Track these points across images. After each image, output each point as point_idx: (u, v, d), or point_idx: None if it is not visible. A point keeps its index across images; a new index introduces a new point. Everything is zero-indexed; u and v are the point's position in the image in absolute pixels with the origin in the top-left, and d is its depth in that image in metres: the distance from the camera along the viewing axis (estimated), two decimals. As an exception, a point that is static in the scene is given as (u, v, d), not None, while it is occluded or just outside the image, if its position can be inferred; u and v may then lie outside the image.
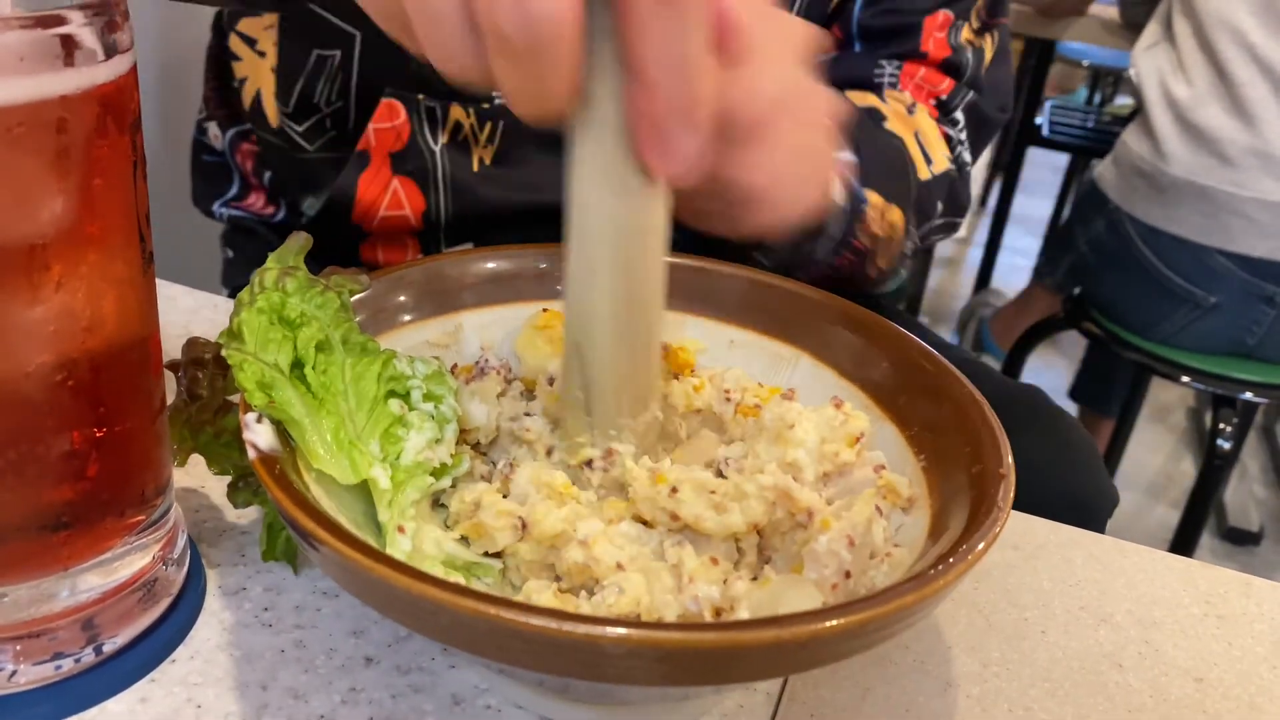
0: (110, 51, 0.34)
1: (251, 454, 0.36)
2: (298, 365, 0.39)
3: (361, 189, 0.72)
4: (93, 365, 0.36)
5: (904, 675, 0.44)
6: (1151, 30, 1.65)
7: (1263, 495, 2.32)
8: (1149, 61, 1.61)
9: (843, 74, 0.75)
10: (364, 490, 0.39)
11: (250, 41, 0.75)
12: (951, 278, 3.33)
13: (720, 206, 0.48)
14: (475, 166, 0.73)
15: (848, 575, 0.37)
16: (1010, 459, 0.38)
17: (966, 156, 0.77)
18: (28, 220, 0.33)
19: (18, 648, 0.38)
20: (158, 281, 0.41)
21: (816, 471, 0.42)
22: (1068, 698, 0.44)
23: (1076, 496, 0.68)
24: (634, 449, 0.42)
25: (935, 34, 0.75)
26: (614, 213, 0.38)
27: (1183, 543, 1.76)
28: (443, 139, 0.72)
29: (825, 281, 0.54)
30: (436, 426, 0.42)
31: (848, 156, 0.62)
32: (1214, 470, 1.69)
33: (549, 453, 0.44)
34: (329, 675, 0.41)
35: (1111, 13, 2.05)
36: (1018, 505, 0.39)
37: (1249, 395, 1.62)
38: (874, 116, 0.71)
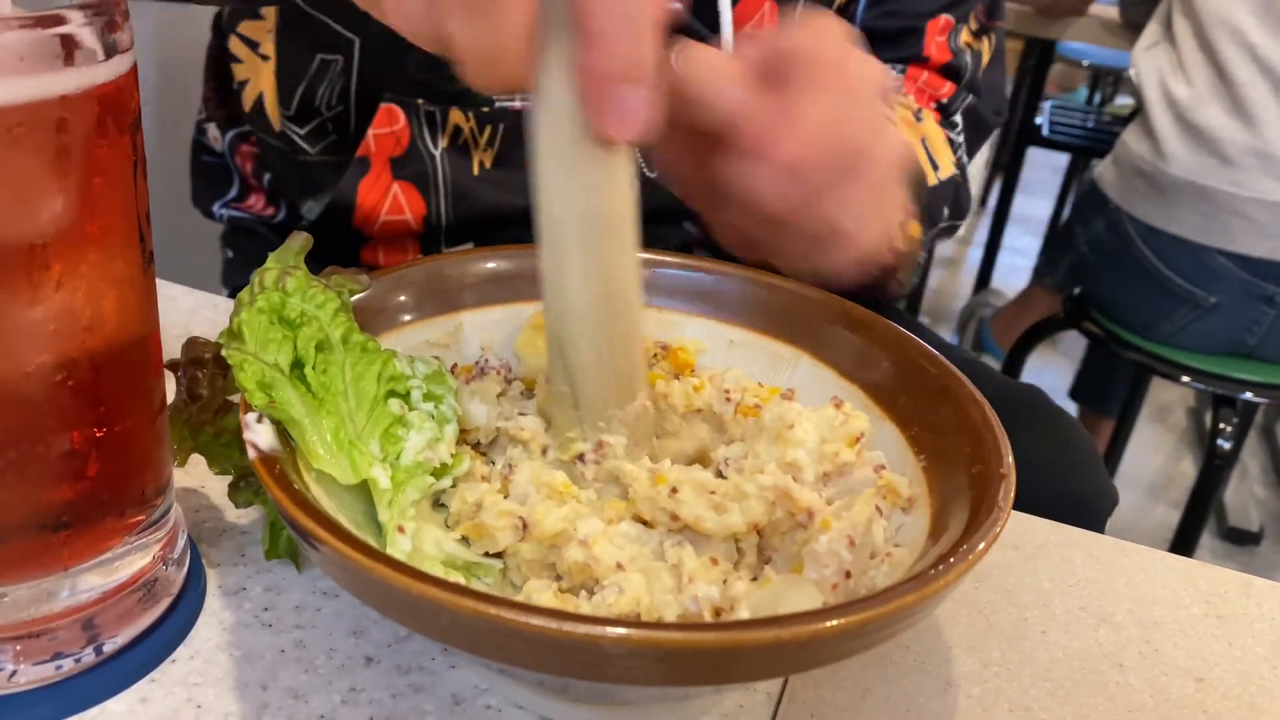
0: (110, 51, 0.34)
1: (252, 454, 0.36)
2: (298, 365, 0.39)
3: (362, 195, 0.72)
4: (93, 365, 0.36)
5: (904, 675, 0.44)
6: (1151, 30, 1.65)
7: (1263, 495, 2.32)
8: (1149, 61, 1.61)
9: None
10: (364, 490, 0.39)
11: (253, 44, 0.75)
12: (951, 278, 3.34)
13: (801, 244, 0.48)
14: (475, 170, 0.73)
15: (848, 575, 0.37)
16: (1010, 459, 0.38)
17: (965, 159, 0.77)
18: (28, 220, 0.33)
19: (18, 648, 0.38)
20: (158, 281, 0.41)
21: (816, 471, 0.42)
22: (1068, 698, 0.44)
23: (1076, 496, 0.68)
24: (625, 440, 0.42)
25: (936, 38, 0.76)
26: (578, 200, 0.38)
27: (1183, 543, 1.76)
28: (443, 143, 0.72)
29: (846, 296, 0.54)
30: (436, 426, 0.42)
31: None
32: (1214, 470, 1.69)
33: (544, 451, 0.44)
34: (329, 675, 0.41)
35: (1111, 13, 2.05)
36: (1018, 505, 0.39)
37: (1249, 395, 1.62)
38: None
